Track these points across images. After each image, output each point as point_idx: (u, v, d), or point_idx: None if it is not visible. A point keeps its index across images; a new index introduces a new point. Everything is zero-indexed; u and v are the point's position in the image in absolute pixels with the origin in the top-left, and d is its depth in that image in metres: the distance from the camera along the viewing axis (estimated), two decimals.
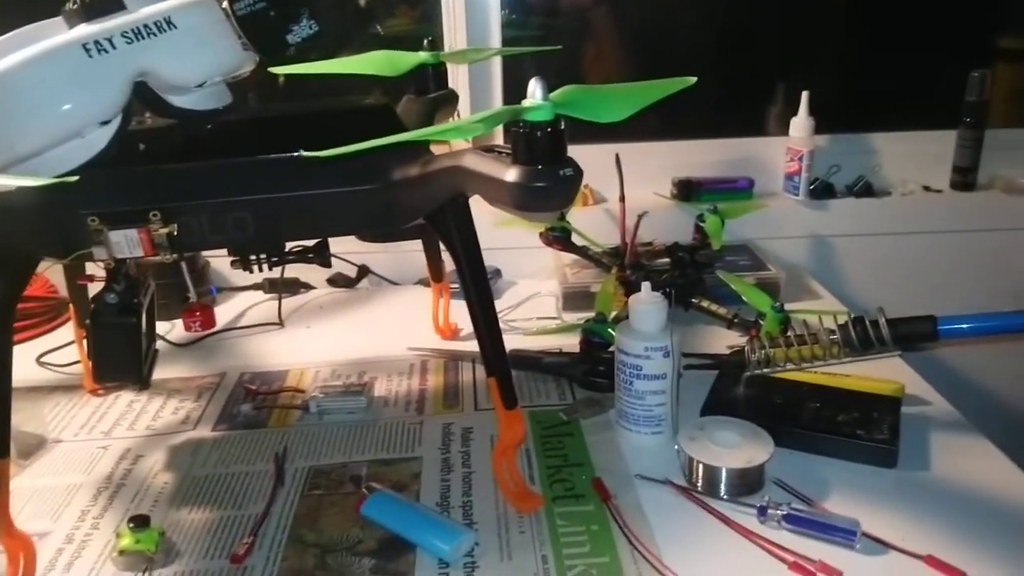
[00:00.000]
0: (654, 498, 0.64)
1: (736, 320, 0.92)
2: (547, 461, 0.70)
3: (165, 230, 0.57)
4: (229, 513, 0.64)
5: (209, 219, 0.58)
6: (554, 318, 1.02)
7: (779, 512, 0.60)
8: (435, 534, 0.59)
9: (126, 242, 0.57)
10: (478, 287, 0.61)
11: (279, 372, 0.89)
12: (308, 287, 1.15)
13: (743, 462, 0.64)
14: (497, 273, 1.13)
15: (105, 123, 0.54)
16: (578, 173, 0.51)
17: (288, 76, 0.74)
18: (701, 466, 0.64)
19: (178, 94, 0.58)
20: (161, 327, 0.92)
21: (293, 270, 1.09)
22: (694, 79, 0.57)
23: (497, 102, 1.18)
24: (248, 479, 0.69)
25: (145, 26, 0.53)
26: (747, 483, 0.64)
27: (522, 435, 0.64)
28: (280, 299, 1.06)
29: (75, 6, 0.55)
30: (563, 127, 0.50)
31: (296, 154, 0.56)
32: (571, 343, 0.90)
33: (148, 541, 0.58)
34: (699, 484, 0.65)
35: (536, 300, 1.08)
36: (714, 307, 0.93)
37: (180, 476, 0.70)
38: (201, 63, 0.56)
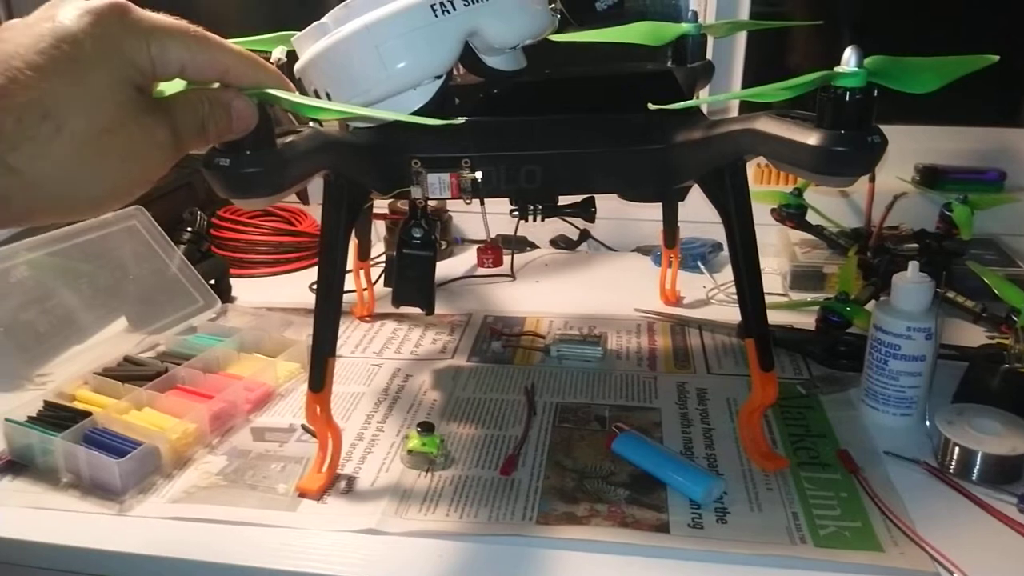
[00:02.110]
0: (903, 475, 0.64)
1: (985, 314, 0.88)
2: (788, 429, 0.72)
3: (471, 176, 0.64)
4: (492, 432, 0.72)
5: (507, 169, 0.64)
6: (780, 295, 1.02)
7: None
8: (686, 476, 0.63)
9: (439, 184, 0.64)
10: (746, 250, 0.63)
11: (518, 318, 0.97)
12: (533, 246, 1.23)
13: (1006, 449, 0.62)
14: (718, 247, 1.14)
15: (438, 77, 0.62)
16: (884, 141, 0.52)
17: (564, 43, 0.79)
18: (957, 448, 0.64)
19: (492, 55, 0.65)
20: None
21: (522, 229, 1.16)
22: (996, 57, 0.56)
23: (737, 77, 1.18)
24: (504, 406, 0.76)
25: None
26: (1004, 471, 0.63)
27: (774, 397, 0.66)
28: (513, 254, 1.14)
29: None
30: (875, 95, 0.51)
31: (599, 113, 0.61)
32: (798, 320, 0.90)
33: (431, 445, 0.67)
34: (952, 468, 0.64)
35: None
36: (960, 299, 0.89)
37: (446, 396, 0.78)
38: (520, 25, 0.62)
